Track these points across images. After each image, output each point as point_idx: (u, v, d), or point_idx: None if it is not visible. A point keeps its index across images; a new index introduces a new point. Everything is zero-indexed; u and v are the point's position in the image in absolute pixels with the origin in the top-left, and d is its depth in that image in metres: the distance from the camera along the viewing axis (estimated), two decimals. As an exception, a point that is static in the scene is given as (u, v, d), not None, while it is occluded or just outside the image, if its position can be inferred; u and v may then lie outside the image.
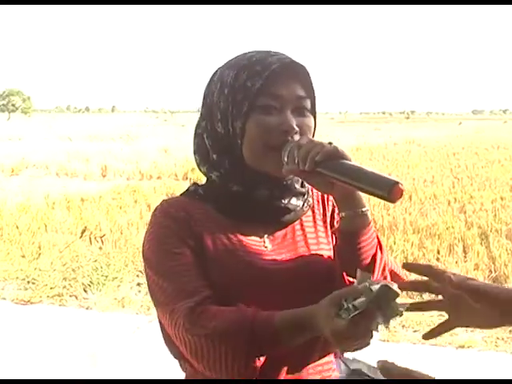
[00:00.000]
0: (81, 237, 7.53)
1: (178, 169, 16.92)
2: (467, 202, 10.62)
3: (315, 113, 1.34)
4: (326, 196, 1.42)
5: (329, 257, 1.32)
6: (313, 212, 1.40)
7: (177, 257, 1.23)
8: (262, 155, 1.26)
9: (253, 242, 1.30)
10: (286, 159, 1.22)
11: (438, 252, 7.23)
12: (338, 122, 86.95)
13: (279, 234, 1.32)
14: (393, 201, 1.06)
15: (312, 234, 1.35)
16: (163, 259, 1.24)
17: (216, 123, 1.30)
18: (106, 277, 6.16)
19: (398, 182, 1.06)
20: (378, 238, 1.26)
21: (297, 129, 1.26)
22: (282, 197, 1.31)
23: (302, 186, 1.36)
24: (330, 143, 1.17)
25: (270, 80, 1.25)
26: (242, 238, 1.29)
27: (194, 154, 1.39)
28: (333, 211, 1.40)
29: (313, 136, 1.34)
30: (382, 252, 1.25)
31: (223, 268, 1.24)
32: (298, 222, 1.35)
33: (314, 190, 1.39)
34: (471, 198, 11.06)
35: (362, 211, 1.21)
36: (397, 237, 7.84)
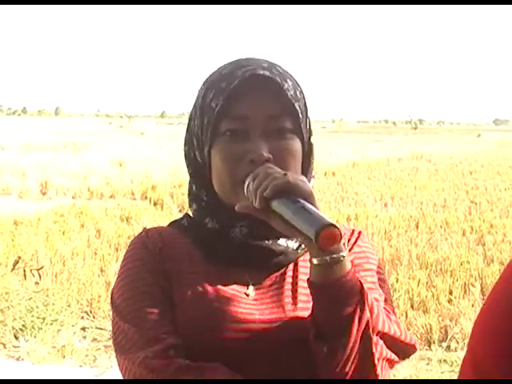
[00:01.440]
0: (13, 269, 7.43)
1: (135, 186, 16.89)
2: (486, 232, 10.73)
3: (302, 133, 1.32)
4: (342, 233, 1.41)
5: None
6: None
7: (145, 297, 1.28)
8: (230, 190, 1.27)
9: (232, 288, 1.31)
10: (246, 194, 1.23)
11: (451, 293, 7.28)
12: (331, 132, 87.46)
13: (267, 280, 1.33)
14: (321, 246, 1.06)
15: (305, 283, 1.33)
16: (130, 299, 1.29)
17: (193, 149, 1.35)
18: (44, 319, 6.08)
19: (329, 225, 1.06)
20: (361, 291, 1.18)
21: (268, 156, 1.25)
22: (266, 236, 1.30)
23: None
24: (285, 174, 1.16)
25: (232, 99, 1.26)
26: (220, 282, 1.31)
27: None
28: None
29: (311, 162, 1.35)
30: (364, 310, 1.17)
31: (185, 315, 1.26)
32: (292, 266, 1.35)
33: None
34: (491, 227, 11.17)
35: (333, 258, 1.14)
36: (400, 273, 7.87)
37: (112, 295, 1.34)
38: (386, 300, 1.32)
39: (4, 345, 5.80)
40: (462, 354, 5.77)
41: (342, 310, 1.16)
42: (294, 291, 1.32)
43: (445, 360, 5.70)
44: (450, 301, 7.02)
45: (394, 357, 1.23)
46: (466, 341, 5.90)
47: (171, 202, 14.33)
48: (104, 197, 16.36)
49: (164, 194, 15.34)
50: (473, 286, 7.40)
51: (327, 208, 13.60)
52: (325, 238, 1.06)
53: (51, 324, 6.05)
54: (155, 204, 14.41)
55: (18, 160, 23.93)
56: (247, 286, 1.31)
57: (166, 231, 1.40)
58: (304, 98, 1.34)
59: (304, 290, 1.31)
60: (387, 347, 1.21)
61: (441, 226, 11.30)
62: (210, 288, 1.29)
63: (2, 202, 15.00)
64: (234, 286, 1.31)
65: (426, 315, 6.53)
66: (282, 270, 1.33)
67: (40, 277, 7.48)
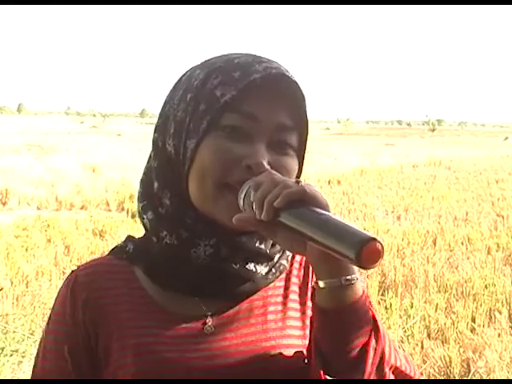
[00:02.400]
0: (-32, 291, 7.42)
1: (110, 195, 16.88)
2: (515, 250, 10.75)
3: (303, 155, 1.32)
4: None
5: (297, 350, 1.28)
6: (287, 280, 1.38)
7: (49, 362, 1.34)
8: (213, 195, 1.24)
9: (188, 323, 1.28)
10: (242, 204, 1.19)
11: (474, 320, 7.28)
12: (336, 134, 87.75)
13: (230, 311, 1.30)
14: (363, 266, 1.01)
15: (278, 314, 1.31)
16: (37, 356, 1.36)
17: (168, 139, 1.30)
18: (2, 350, 6.07)
19: (372, 239, 1.01)
20: (374, 318, 1.17)
21: (267, 167, 1.22)
22: (233, 259, 1.28)
23: (273, 244, 1.34)
24: (298, 181, 1.14)
25: (245, 93, 1.23)
26: (170, 320, 1.29)
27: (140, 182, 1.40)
28: None
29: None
30: (379, 340, 1.16)
31: (128, 372, 1.25)
32: (259, 294, 1.33)
33: None
34: (520, 244, 11.19)
35: (348, 280, 1.12)
36: (415, 297, 7.88)
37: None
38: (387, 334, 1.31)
39: (-44, 379, 5.78)
40: (486, 391, 5.77)
41: (355, 340, 1.14)
42: (264, 323, 1.29)
43: (466, 398, 5.69)
44: (472, 329, 7.02)
45: None
46: (492, 376, 5.92)
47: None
48: (74, 207, 16.32)
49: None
50: (499, 312, 7.41)
51: (331, 221, 13.57)
52: (368, 254, 1.00)
53: (11, 355, 6.03)
54: (133, 216, 14.36)
55: (-25, 164, 23.89)
56: (205, 319, 1.29)
57: (103, 265, 1.38)
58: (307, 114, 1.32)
59: (275, 325, 1.29)
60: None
61: (462, 243, 11.31)
62: (156, 331, 1.27)
63: (-44, 213, 14.96)
64: (185, 322, 1.28)
65: (445, 346, 6.52)
66: (248, 299, 1.31)
67: (-1, 300, 7.46)
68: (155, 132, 1.35)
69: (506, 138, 77.48)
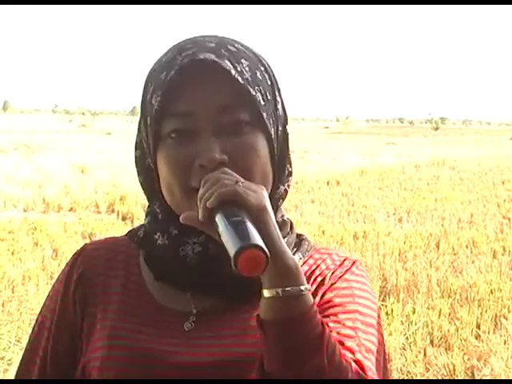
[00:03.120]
0: (-49, 296, 7.41)
1: (100, 197, 16.87)
2: (521, 254, 10.75)
3: (266, 123, 1.26)
4: (319, 263, 1.35)
5: None
6: None
7: (38, 342, 1.39)
8: (182, 201, 1.25)
9: (172, 317, 1.30)
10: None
11: (478, 326, 7.28)
12: (335, 133, 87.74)
13: (214, 309, 1.30)
14: (239, 272, 1.01)
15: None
16: (29, 341, 1.42)
17: (144, 153, 1.34)
18: (-12, 357, 6.06)
19: (253, 246, 1.01)
20: (322, 337, 1.11)
21: (222, 158, 1.21)
22: (222, 257, 1.22)
23: None
24: (237, 181, 1.13)
25: (172, 93, 1.23)
26: (159, 309, 1.31)
27: None
28: (317, 288, 1.31)
29: (285, 157, 1.32)
30: (320, 361, 1.10)
31: (103, 352, 1.27)
32: (251, 297, 1.28)
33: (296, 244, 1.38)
34: (527, 248, 11.19)
35: (286, 291, 1.09)
36: (417, 302, 7.88)
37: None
38: (369, 351, 1.23)
39: None
40: (491, 400, 5.77)
41: (292, 357, 1.10)
42: (246, 328, 1.27)
43: (471, 408, 5.69)
44: (477, 336, 7.02)
45: None
46: (497, 384, 5.92)
47: (143, 217, 14.26)
48: (62, 209, 16.30)
49: (134, 206, 15.30)
50: (505, 318, 7.42)
51: (330, 223, 13.62)
52: (244, 261, 1.01)
53: (-3, 363, 6.02)
54: (124, 218, 14.39)
55: (-41, 164, 23.86)
56: (189, 316, 1.30)
57: (114, 244, 1.43)
58: (270, 78, 1.29)
59: (256, 332, 1.22)
60: None
61: (466, 246, 11.31)
62: (137, 319, 1.30)
63: None
64: (170, 315, 1.30)
65: (449, 353, 6.52)
66: (238, 301, 1.30)
67: (-16, 305, 7.45)
68: (136, 149, 1.36)
69: (513, 137, 77.40)
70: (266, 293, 1.10)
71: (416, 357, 6.46)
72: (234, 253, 1.02)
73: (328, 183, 21.49)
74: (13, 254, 10.19)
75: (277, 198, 1.32)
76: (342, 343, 1.17)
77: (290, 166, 1.35)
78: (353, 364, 1.15)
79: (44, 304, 1.41)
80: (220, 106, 1.23)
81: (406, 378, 6.24)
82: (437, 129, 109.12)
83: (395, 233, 12.54)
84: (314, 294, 1.26)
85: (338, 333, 1.20)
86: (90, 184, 19.35)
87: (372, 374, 1.18)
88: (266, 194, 1.14)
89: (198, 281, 1.29)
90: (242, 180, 1.14)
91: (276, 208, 1.31)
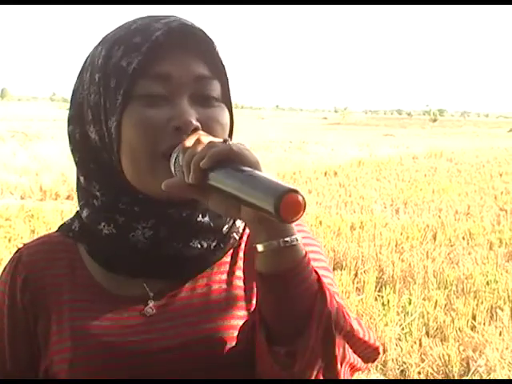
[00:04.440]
0: None
1: (97, 185, 16.81)
2: (518, 245, 10.77)
3: (230, 102, 1.30)
4: None
5: (240, 331, 1.25)
6: (234, 256, 1.35)
7: None
8: (148, 168, 1.23)
9: (128, 304, 1.28)
10: (173, 170, 1.18)
11: (474, 317, 7.29)
12: (333, 124, 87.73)
13: (173, 292, 1.29)
14: (284, 218, 0.99)
15: (222, 293, 1.29)
16: None
17: (88, 126, 1.30)
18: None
19: (291, 190, 0.99)
20: (319, 280, 1.14)
21: (197, 124, 1.21)
22: (174, 238, 1.27)
23: (220, 216, 1.30)
24: (225, 140, 1.11)
25: (151, 55, 1.21)
26: (110, 302, 1.29)
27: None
28: None
29: (229, 136, 1.30)
30: (325, 303, 1.13)
31: (66, 355, 1.25)
32: (205, 273, 1.31)
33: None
34: (524, 240, 11.21)
35: (286, 241, 1.09)
36: (414, 293, 7.89)
37: None
38: (334, 294, 1.22)
39: None
40: (486, 390, 5.79)
41: (299, 304, 1.12)
42: (206, 303, 1.27)
43: (465, 398, 5.71)
44: (473, 327, 7.04)
45: (357, 362, 1.19)
46: (492, 375, 5.94)
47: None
48: (60, 197, 16.29)
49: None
50: (501, 309, 7.42)
51: (327, 214, 13.61)
52: (287, 206, 0.98)
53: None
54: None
55: (-44, 152, 23.82)
56: (146, 301, 1.28)
57: (48, 244, 1.39)
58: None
59: (217, 305, 1.27)
60: (350, 347, 1.16)
61: (463, 238, 11.33)
62: (96, 314, 1.27)
63: None
64: (127, 303, 1.28)
65: (445, 344, 6.52)
66: (192, 278, 1.29)
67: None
68: (69, 124, 1.34)
69: (511, 130, 77.43)
70: (262, 246, 1.10)
71: (412, 347, 6.47)
72: (275, 199, 0.98)
73: (326, 174, 21.47)
74: (10, 241, 10.19)
75: None
76: None
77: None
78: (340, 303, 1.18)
79: None
80: (199, 75, 1.24)
81: (401, 368, 6.26)
82: (435, 120, 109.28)
83: (392, 224, 12.54)
84: None
85: None
86: (87, 172, 19.31)
87: (351, 313, 1.20)
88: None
89: (152, 265, 1.27)
90: (228, 139, 1.12)
91: None
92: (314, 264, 1.18)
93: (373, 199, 16.05)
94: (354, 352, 1.18)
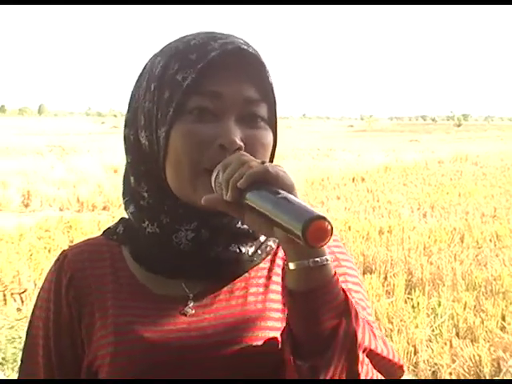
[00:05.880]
0: (-9, 293, 7.47)
1: (132, 196, 16.90)
2: (545, 246, 10.67)
3: (275, 125, 1.32)
4: None
5: (275, 332, 1.26)
6: (272, 262, 1.37)
7: (36, 355, 1.37)
8: (190, 180, 1.25)
9: (169, 304, 1.30)
10: (213, 185, 1.20)
11: (504, 318, 7.23)
12: (359, 131, 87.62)
13: (212, 293, 1.31)
14: (310, 244, 1.02)
15: (259, 296, 1.31)
16: (24, 354, 1.41)
17: (140, 131, 1.32)
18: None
19: (319, 217, 1.02)
20: (346, 299, 1.16)
21: (241, 144, 1.23)
22: (215, 241, 1.29)
23: None
24: (263, 162, 1.14)
25: (205, 73, 1.23)
26: (156, 299, 1.31)
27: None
28: None
29: (272, 158, 1.33)
30: (350, 322, 1.14)
31: (108, 350, 1.27)
32: (243, 276, 1.33)
33: None
34: (550, 240, 11.10)
35: (315, 262, 1.11)
36: (443, 295, 7.85)
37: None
38: (364, 308, 1.28)
39: (-19, 381, 5.82)
40: (517, 390, 5.73)
41: (325, 322, 1.13)
42: (243, 305, 1.29)
43: (497, 398, 5.66)
44: (502, 328, 6.98)
45: (380, 378, 1.19)
46: (523, 375, 5.88)
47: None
48: (96, 208, 16.42)
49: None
50: (529, 309, 7.36)
51: (356, 219, 13.58)
52: (314, 232, 1.02)
53: (36, 357, 6.05)
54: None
55: (-3, 166, 24.08)
56: (187, 300, 1.30)
57: (92, 245, 1.41)
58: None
59: (254, 307, 1.29)
60: (373, 366, 1.17)
61: (490, 240, 11.25)
62: (137, 311, 1.29)
63: (-21, 216, 15.07)
64: (168, 303, 1.30)
65: (475, 345, 6.48)
66: (232, 282, 1.31)
67: (22, 302, 7.51)
68: (125, 127, 1.36)
69: (534, 133, 76.83)
70: (293, 265, 1.12)
71: (442, 348, 6.44)
72: (303, 225, 1.01)
73: (353, 180, 21.45)
74: (49, 251, 10.25)
75: None
76: None
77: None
78: (368, 324, 1.19)
79: (32, 316, 1.40)
80: (248, 97, 1.26)
81: (432, 369, 6.22)
82: (459, 125, 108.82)
83: (420, 227, 12.49)
84: None
85: None
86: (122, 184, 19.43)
87: (375, 329, 1.21)
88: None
89: (192, 266, 1.29)
90: (267, 161, 1.16)
91: None
92: (348, 280, 1.24)
93: (400, 204, 16.00)
94: (378, 370, 1.18)
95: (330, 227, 1.02)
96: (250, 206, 1.12)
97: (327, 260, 1.12)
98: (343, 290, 1.15)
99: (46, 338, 1.36)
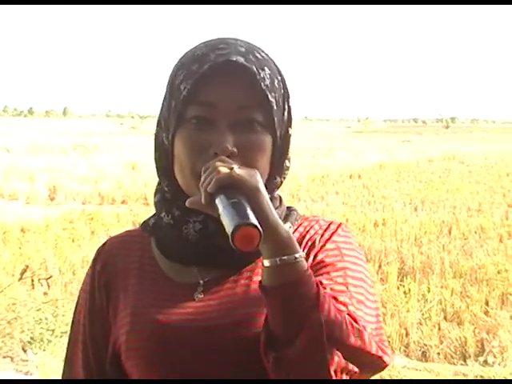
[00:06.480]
0: (20, 278, 7.48)
1: (148, 190, 16.93)
2: (525, 238, 10.67)
3: (274, 129, 1.29)
4: (308, 229, 1.36)
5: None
6: None
7: (78, 332, 1.41)
8: (191, 183, 1.26)
9: (179, 290, 1.32)
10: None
11: (487, 303, 7.24)
12: (356, 132, 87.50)
13: (219, 281, 1.32)
14: (236, 246, 1.05)
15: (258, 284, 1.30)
16: (71, 331, 1.44)
17: (162, 132, 1.34)
18: (53, 331, 6.12)
19: (247, 224, 1.05)
20: (318, 295, 1.13)
21: (233, 150, 1.22)
22: (221, 233, 1.24)
23: None
24: (231, 168, 1.14)
25: (200, 84, 1.24)
26: (172, 284, 1.33)
27: None
28: (309, 251, 1.31)
29: (283, 155, 1.33)
30: (317, 317, 1.11)
31: (126, 325, 1.30)
32: (250, 267, 1.32)
33: (295, 222, 1.37)
34: (530, 233, 11.10)
35: (283, 260, 1.11)
36: (432, 282, 7.84)
37: None
38: (360, 302, 1.23)
39: (12, 358, 5.82)
40: (499, 369, 5.73)
41: (292, 316, 1.13)
42: (247, 292, 1.29)
43: (481, 376, 5.65)
44: (486, 312, 6.98)
45: (355, 368, 1.16)
46: (505, 355, 5.88)
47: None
48: (116, 202, 16.43)
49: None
50: (511, 295, 7.36)
51: (353, 212, 13.57)
52: (239, 238, 1.04)
53: (61, 336, 6.07)
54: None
55: (25, 163, 24.11)
56: (197, 287, 1.31)
57: (127, 236, 1.46)
58: (284, 87, 1.31)
59: (256, 294, 1.25)
60: (345, 358, 1.14)
61: (475, 232, 11.24)
62: (154, 295, 1.32)
63: (9, 208, 15.11)
64: (181, 289, 1.31)
65: (461, 327, 6.49)
66: (238, 271, 1.31)
67: (49, 286, 7.52)
68: (157, 126, 1.38)
69: (516, 134, 76.62)
70: (266, 262, 1.13)
71: (431, 331, 6.46)
72: (231, 231, 1.04)
73: (351, 177, 21.43)
74: (73, 241, 10.30)
75: (272, 187, 1.33)
76: (335, 298, 1.18)
77: (289, 162, 1.36)
78: (347, 317, 1.16)
79: (78, 297, 1.44)
80: (240, 104, 1.25)
81: (422, 349, 6.23)
82: (447, 127, 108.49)
83: (411, 220, 12.49)
84: (307, 257, 1.28)
85: (332, 289, 1.20)
86: (139, 179, 19.46)
87: (364, 322, 1.19)
88: (258, 177, 1.15)
89: (201, 255, 1.31)
90: (237, 166, 1.15)
91: (270, 193, 1.30)
92: (348, 274, 1.24)
93: (393, 198, 15.99)
94: (353, 361, 1.16)
95: (256, 234, 1.04)
96: (217, 208, 1.13)
97: (296, 258, 1.12)
98: (317, 284, 1.14)
99: (84, 316, 1.40)
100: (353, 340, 1.15)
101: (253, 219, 1.06)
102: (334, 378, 1.13)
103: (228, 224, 1.07)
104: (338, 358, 1.13)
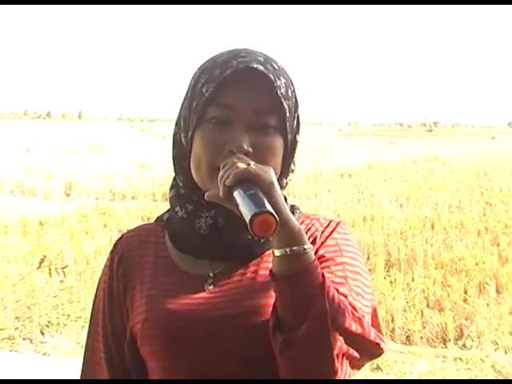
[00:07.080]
0: (39, 267, 7.50)
1: (156, 187, 16.94)
2: (501, 233, 10.69)
3: (286, 133, 1.30)
4: (310, 227, 1.35)
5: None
6: None
7: (98, 319, 1.40)
8: (206, 176, 1.26)
9: (194, 281, 1.31)
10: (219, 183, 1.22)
11: (466, 292, 7.24)
12: (347, 135, 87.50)
13: (228, 273, 1.31)
14: (254, 233, 1.05)
15: (266, 279, 1.26)
16: (91, 318, 1.43)
17: (180, 132, 1.34)
18: (68, 316, 6.12)
19: (265, 212, 1.05)
20: (323, 284, 1.13)
21: (248, 149, 1.23)
22: (230, 228, 1.29)
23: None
24: (249, 164, 1.15)
25: (222, 88, 1.25)
26: (184, 276, 1.32)
27: None
28: (318, 247, 1.31)
29: (292, 158, 1.34)
30: (322, 303, 1.12)
31: (140, 315, 1.30)
32: (256, 261, 1.31)
33: (304, 218, 1.37)
34: (506, 228, 11.12)
35: (293, 250, 1.12)
36: (416, 272, 7.85)
37: None
38: (358, 294, 1.24)
39: (31, 340, 5.84)
40: (477, 352, 5.75)
41: (300, 302, 1.13)
42: (252, 285, 1.28)
43: (460, 358, 5.67)
44: (465, 300, 6.98)
45: (355, 354, 1.17)
46: (482, 339, 5.89)
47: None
48: (126, 198, 16.42)
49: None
50: (488, 285, 7.37)
51: (344, 209, 13.57)
52: (258, 224, 1.05)
53: (76, 320, 6.08)
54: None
55: (44, 162, 24.12)
56: (207, 278, 1.30)
57: (142, 230, 1.45)
58: (295, 96, 1.32)
59: (262, 287, 1.28)
60: (346, 343, 1.15)
61: (456, 227, 11.24)
62: (166, 286, 1.31)
63: (28, 203, 15.10)
64: (193, 280, 1.31)
65: (442, 314, 6.50)
66: (246, 264, 1.31)
67: (65, 275, 7.54)
68: (175, 126, 1.38)
69: (493, 138, 76.83)
70: (276, 252, 1.13)
71: (415, 317, 6.46)
72: (250, 218, 1.05)
73: (342, 176, 21.43)
74: (87, 233, 10.30)
75: (279, 187, 1.31)
76: (336, 290, 1.18)
77: (294, 165, 1.39)
78: (348, 306, 1.17)
79: (97, 288, 1.43)
80: (257, 108, 1.26)
81: (406, 334, 6.25)
82: (431, 131, 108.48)
83: (397, 216, 12.50)
84: None
85: (332, 281, 1.19)
86: (148, 177, 19.45)
87: (362, 312, 1.20)
88: (273, 173, 1.16)
89: (212, 248, 1.30)
90: (253, 163, 1.16)
91: None
92: (347, 268, 1.25)
93: (381, 196, 16.00)
94: (354, 346, 1.17)
95: (273, 221, 1.04)
96: (235, 200, 1.13)
97: (305, 249, 1.13)
98: (322, 274, 1.14)
99: (103, 304, 1.39)
100: (354, 327, 1.16)
101: (269, 208, 1.06)
102: (336, 361, 1.14)
103: (247, 212, 1.07)
104: (340, 343, 1.14)
